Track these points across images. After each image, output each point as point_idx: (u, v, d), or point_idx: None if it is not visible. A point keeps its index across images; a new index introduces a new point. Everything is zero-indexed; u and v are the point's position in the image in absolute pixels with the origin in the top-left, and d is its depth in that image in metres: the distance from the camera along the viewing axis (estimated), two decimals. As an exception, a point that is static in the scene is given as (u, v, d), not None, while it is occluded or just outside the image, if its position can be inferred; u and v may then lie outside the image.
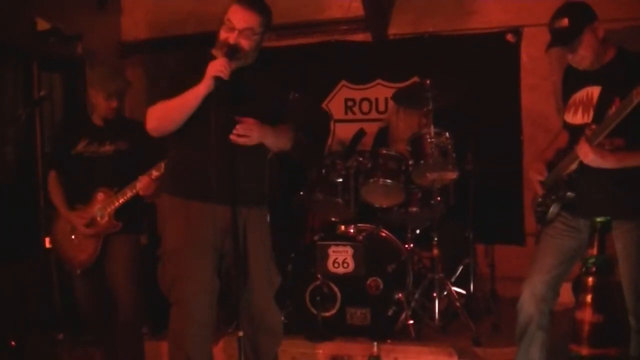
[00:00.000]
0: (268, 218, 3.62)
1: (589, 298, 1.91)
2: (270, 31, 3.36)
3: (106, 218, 4.22)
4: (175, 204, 3.41)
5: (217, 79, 3.10)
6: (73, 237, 4.28)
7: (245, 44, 3.23)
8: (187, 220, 3.36)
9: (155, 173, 4.05)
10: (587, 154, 2.95)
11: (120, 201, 4.20)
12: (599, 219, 1.98)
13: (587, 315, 1.91)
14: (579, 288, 1.98)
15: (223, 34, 3.24)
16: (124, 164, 4.27)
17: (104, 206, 4.21)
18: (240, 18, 3.21)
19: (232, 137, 3.15)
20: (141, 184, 4.09)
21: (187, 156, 3.38)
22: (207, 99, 3.17)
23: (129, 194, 4.17)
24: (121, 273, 4.26)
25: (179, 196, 3.40)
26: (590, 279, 1.91)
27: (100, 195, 4.23)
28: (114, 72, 4.50)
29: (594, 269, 1.91)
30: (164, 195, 3.52)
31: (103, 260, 4.27)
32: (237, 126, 3.15)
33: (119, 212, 4.22)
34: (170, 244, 3.43)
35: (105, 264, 4.28)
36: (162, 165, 3.93)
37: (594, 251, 1.93)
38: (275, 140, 3.38)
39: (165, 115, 3.31)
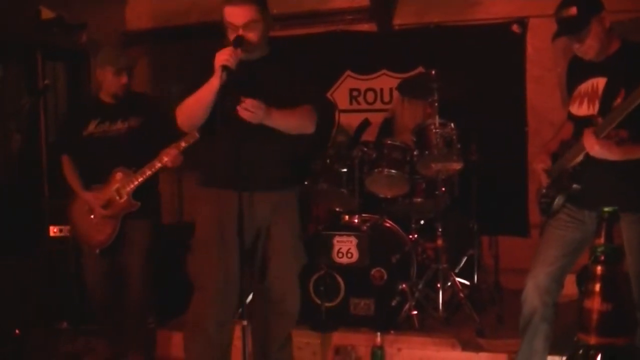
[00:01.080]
0: (296, 200, 3.63)
1: (597, 287, 1.89)
2: (270, 14, 3.36)
3: (125, 197, 4.22)
4: (204, 194, 3.53)
5: (225, 68, 3.11)
6: (92, 217, 4.27)
7: (252, 36, 3.26)
8: (213, 210, 3.45)
9: (183, 144, 4.06)
10: (593, 146, 2.94)
11: (140, 179, 4.22)
12: (606, 209, 1.96)
13: (595, 304, 1.89)
14: (586, 277, 1.97)
15: (231, 35, 3.27)
16: (138, 141, 4.28)
17: (122, 185, 4.23)
18: (237, 15, 3.25)
19: (238, 109, 3.16)
20: (169, 156, 4.10)
21: (208, 146, 3.49)
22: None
23: (149, 172, 4.20)
24: (136, 260, 4.30)
25: (206, 185, 3.51)
26: (598, 268, 1.89)
27: (118, 175, 4.24)
28: (121, 50, 4.50)
29: (602, 257, 1.89)
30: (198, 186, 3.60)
31: (120, 242, 4.28)
32: (245, 100, 3.15)
33: (136, 193, 4.23)
34: (202, 233, 3.51)
35: (122, 247, 4.29)
36: (190, 136, 3.94)
37: (601, 241, 1.91)
38: (287, 122, 3.35)
39: (189, 111, 3.37)
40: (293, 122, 3.39)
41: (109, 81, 4.28)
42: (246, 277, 3.26)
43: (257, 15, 3.27)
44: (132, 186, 4.21)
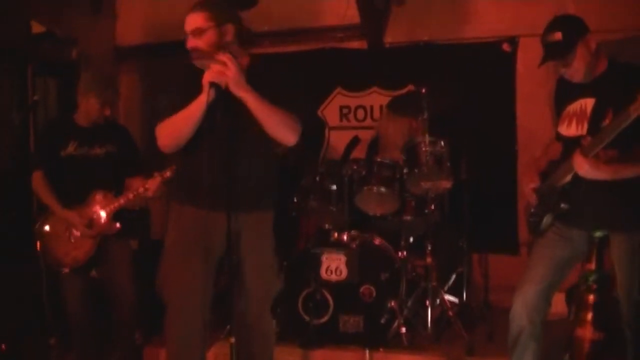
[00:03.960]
0: (270, 222, 3.52)
1: (589, 316, 1.90)
2: (230, 22, 3.28)
3: (105, 219, 4.23)
4: (173, 209, 3.46)
5: (213, 85, 3.10)
6: (68, 235, 4.28)
7: (199, 43, 3.22)
8: (180, 224, 3.41)
9: (167, 174, 4.08)
10: (582, 166, 2.96)
11: (122, 202, 4.26)
12: (597, 234, 1.97)
13: (587, 333, 1.90)
14: (576, 301, 1.97)
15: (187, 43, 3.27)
16: (115, 167, 4.35)
17: (102, 207, 4.24)
18: (187, 23, 3.26)
19: (210, 73, 3.10)
20: (153, 185, 4.12)
21: (185, 162, 3.41)
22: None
23: (131, 197, 4.23)
24: (125, 275, 4.36)
25: (176, 201, 3.46)
26: (590, 297, 1.90)
27: (98, 196, 4.26)
28: (108, 80, 4.51)
29: (594, 286, 1.89)
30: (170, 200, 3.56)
31: (96, 262, 4.30)
32: (219, 59, 3.09)
33: (116, 215, 4.25)
34: (166, 246, 3.47)
35: (103, 267, 4.35)
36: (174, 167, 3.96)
37: (592, 266, 1.92)
38: (265, 108, 3.19)
39: (174, 130, 3.29)
40: (271, 113, 3.20)
41: (92, 110, 4.31)
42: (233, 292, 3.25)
43: (205, 23, 3.22)
44: (113, 208, 4.27)
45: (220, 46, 3.19)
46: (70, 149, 4.30)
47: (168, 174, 4.07)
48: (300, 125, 3.34)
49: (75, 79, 5.54)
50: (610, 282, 1.93)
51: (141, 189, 4.19)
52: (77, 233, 4.27)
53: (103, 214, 4.26)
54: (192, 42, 3.23)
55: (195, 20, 3.24)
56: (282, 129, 3.28)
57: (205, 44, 3.22)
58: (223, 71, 3.08)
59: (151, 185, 4.14)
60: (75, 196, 4.29)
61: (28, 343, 4.82)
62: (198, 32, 3.22)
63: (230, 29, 3.28)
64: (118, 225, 4.31)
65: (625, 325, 3.07)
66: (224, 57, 3.09)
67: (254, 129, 3.22)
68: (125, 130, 4.59)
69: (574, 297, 4.45)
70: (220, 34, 3.25)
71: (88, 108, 4.31)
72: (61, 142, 4.31)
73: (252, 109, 3.16)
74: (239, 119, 3.16)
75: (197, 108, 3.17)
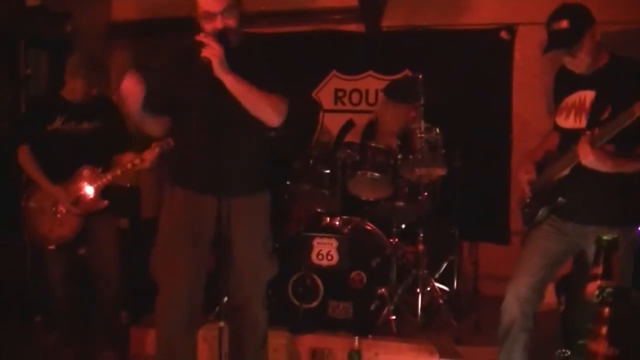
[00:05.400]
0: (264, 206, 3.47)
1: (604, 330, 1.85)
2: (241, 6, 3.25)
3: (92, 196, 4.18)
4: (166, 190, 3.43)
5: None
6: (54, 211, 4.22)
7: (231, 22, 3.16)
8: (172, 206, 3.38)
9: (157, 149, 4.03)
10: (587, 156, 2.92)
11: (109, 178, 4.21)
12: (605, 237, 1.92)
13: (601, 348, 1.85)
14: (592, 317, 1.90)
15: (207, 26, 3.15)
16: (101, 142, 4.28)
17: (90, 183, 4.19)
18: (213, 3, 3.14)
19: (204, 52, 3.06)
20: (151, 155, 4.07)
21: (176, 144, 3.41)
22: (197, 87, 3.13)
23: (118, 172, 4.18)
24: (112, 253, 4.31)
25: (169, 182, 3.42)
26: (606, 310, 1.85)
27: (85, 172, 4.21)
28: (96, 61, 4.44)
29: (610, 299, 1.85)
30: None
31: (82, 239, 4.25)
32: (200, 39, 3.06)
33: (104, 192, 4.21)
34: (159, 227, 3.44)
35: (91, 245, 4.29)
36: (166, 143, 3.92)
37: (599, 270, 1.88)
38: (248, 90, 3.15)
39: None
40: (256, 97, 3.17)
41: (78, 90, 4.26)
42: (223, 276, 3.24)
43: (233, 1, 3.17)
44: (100, 184, 4.21)
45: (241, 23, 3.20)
46: (57, 123, 4.23)
47: (158, 149, 4.03)
48: (286, 107, 3.30)
49: (67, 54, 5.48)
50: (628, 296, 1.88)
51: (137, 160, 4.11)
52: (63, 209, 4.22)
53: (90, 191, 4.20)
54: (223, 21, 3.14)
55: None
56: (264, 111, 3.23)
57: (236, 22, 3.18)
58: (210, 50, 3.03)
59: (148, 156, 4.07)
60: (62, 172, 4.23)
61: (12, 320, 4.80)
62: (229, 10, 3.15)
63: (242, 6, 3.25)
64: (105, 202, 4.24)
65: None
66: (206, 38, 3.05)
67: (244, 111, 3.18)
68: (115, 105, 4.52)
69: (563, 287, 4.49)
70: (240, 10, 3.22)
71: (74, 88, 4.27)
72: (48, 117, 4.24)
73: (232, 91, 3.12)
74: (228, 102, 3.12)
75: None
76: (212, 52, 3.03)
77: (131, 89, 3.09)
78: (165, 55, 3.50)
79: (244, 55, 3.24)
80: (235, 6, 3.18)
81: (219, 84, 3.09)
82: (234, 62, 3.15)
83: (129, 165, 4.14)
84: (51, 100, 4.41)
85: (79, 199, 4.20)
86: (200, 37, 3.05)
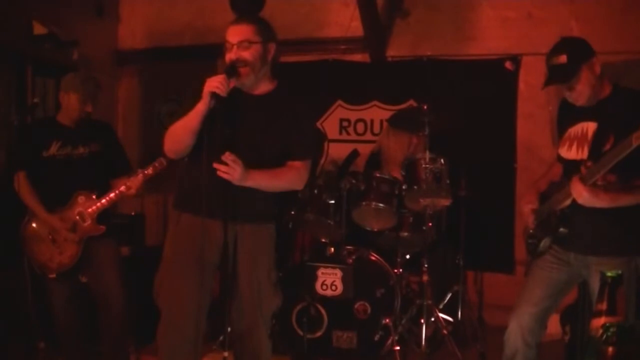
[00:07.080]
0: (270, 237, 3.46)
1: None
2: (273, 42, 3.28)
3: (89, 221, 4.17)
4: (173, 216, 3.43)
5: (214, 96, 3.07)
6: (52, 239, 4.21)
7: (245, 55, 3.19)
8: (177, 232, 3.37)
9: (150, 171, 4.06)
10: (580, 193, 2.94)
11: (105, 203, 4.18)
12: (609, 274, 1.92)
13: None
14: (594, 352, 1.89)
15: (227, 57, 3.23)
16: (98, 166, 4.27)
17: (85, 209, 4.17)
18: (234, 34, 3.22)
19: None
20: (134, 183, 4.07)
21: (185, 170, 3.38)
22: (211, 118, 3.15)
23: (113, 197, 4.16)
24: (113, 276, 4.25)
25: (176, 208, 3.42)
26: (610, 349, 1.84)
27: (80, 198, 4.18)
28: (89, 77, 4.44)
29: (614, 338, 1.84)
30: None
31: (83, 266, 4.23)
32: (223, 160, 3.08)
33: (100, 216, 4.19)
34: (165, 253, 3.44)
35: (91, 270, 4.26)
36: (158, 163, 3.92)
37: (604, 306, 1.87)
38: (270, 183, 3.28)
39: (174, 136, 3.29)
40: (277, 184, 3.33)
41: (73, 108, 4.24)
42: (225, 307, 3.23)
43: (254, 37, 3.20)
44: (95, 209, 4.18)
45: (263, 61, 3.23)
46: (53, 149, 4.21)
47: (150, 171, 4.06)
48: (309, 169, 3.42)
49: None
50: (633, 335, 1.87)
51: (123, 187, 4.13)
52: (60, 237, 4.21)
53: (86, 217, 4.20)
54: (237, 53, 3.19)
55: (244, 31, 3.21)
56: (287, 189, 3.42)
57: (252, 56, 3.20)
58: (227, 171, 3.07)
59: (133, 183, 4.09)
60: (59, 198, 4.20)
61: (16, 346, 4.78)
62: (247, 43, 3.19)
63: (272, 48, 3.28)
64: (103, 227, 4.21)
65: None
66: (229, 157, 3.07)
67: (253, 139, 3.21)
68: (110, 128, 4.53)
69: (569, 318, 4.46)
70: (265, 50, 3.25)
71: (69, 105, 4.24)
72: (43, 143, 4.22)
73: (255, 187, 3.21)
74: (238, 130, 3.16)
75: (195, 116, 3.15)
76: (227, 176, 3.08)
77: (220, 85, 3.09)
78: (181, 85, 3.54)
79: (284, 105, 3.29)
80: (257, 42, 3.21)
81: (229, 114, 3.13)
82: (273, 110, 3.22)
83: (123, 188, 4.13)
84: (47, 125, 4.41)
85: (76, 225, 4.19)
86: (225, 157, 3.06)
